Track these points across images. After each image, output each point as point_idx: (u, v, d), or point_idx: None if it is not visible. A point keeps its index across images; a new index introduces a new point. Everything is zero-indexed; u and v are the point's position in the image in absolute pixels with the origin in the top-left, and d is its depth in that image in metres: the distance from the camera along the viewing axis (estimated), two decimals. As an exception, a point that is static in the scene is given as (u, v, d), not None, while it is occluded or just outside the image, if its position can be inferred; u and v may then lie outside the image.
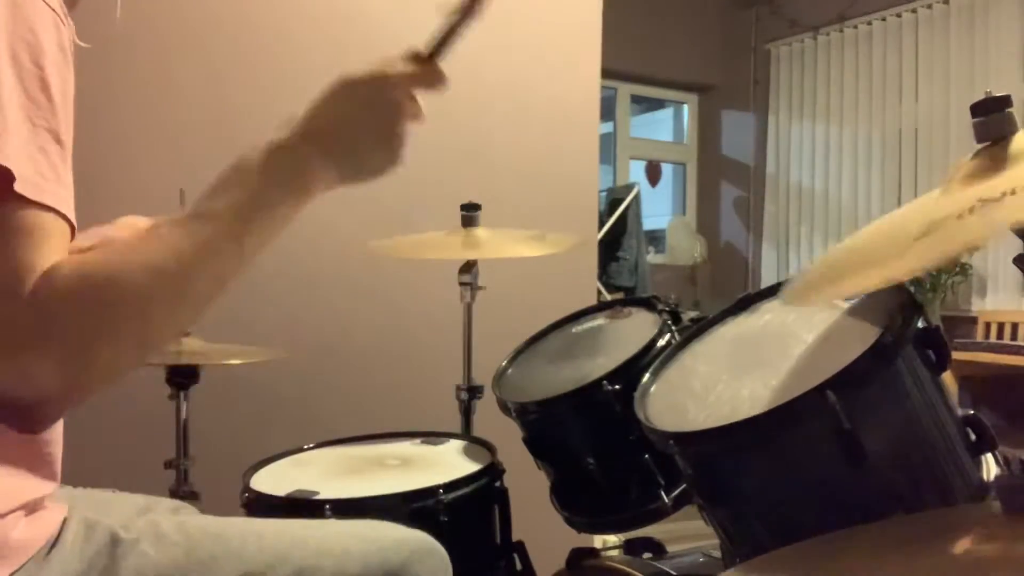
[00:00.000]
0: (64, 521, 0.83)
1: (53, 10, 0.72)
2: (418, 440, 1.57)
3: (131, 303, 0.70)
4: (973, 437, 0.93)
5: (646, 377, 1.12)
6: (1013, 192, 0.69)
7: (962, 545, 0.71)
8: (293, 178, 0.80)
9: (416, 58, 0.89)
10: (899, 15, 4.86)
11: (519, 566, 1.39)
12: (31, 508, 0.80)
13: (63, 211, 0.70)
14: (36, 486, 0.82)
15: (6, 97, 0.67)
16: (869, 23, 5.01)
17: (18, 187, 0.66)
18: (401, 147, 0.85)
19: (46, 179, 0.68)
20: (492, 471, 1.35)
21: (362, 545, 0.96)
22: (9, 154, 0.66)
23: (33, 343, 0.66)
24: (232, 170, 0.78)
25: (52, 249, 0.68)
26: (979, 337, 4.17)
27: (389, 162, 0.86)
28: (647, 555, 1.48)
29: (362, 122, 0.84)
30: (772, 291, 1.17)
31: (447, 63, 0.91)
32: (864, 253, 0.85)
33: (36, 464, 0.82)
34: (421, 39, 0.90)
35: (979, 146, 0.83)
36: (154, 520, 0.90)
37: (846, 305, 1.02)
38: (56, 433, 0.84)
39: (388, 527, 1.02)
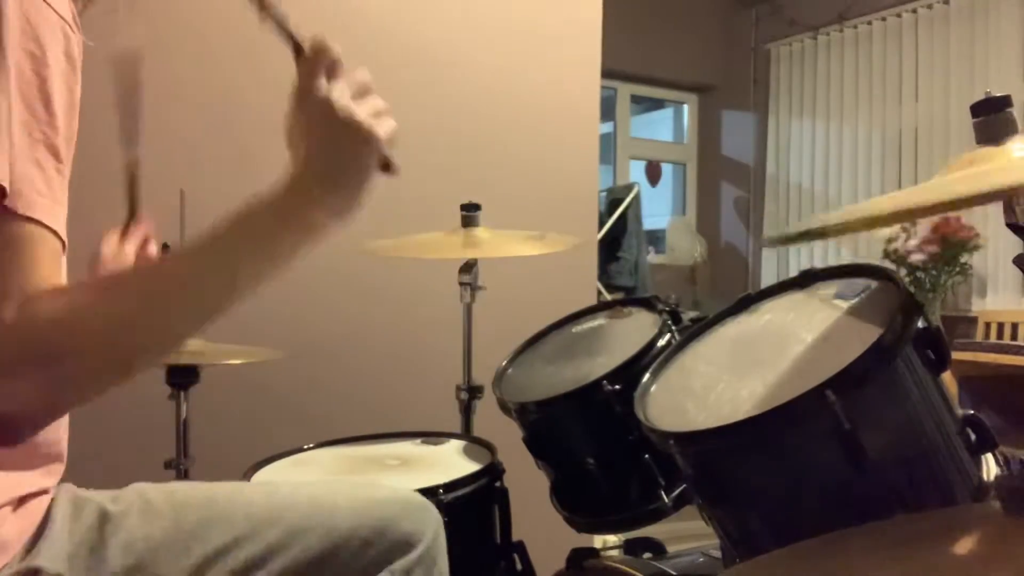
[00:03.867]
0: (52, 502, 0.83)
1: (62, 17, 0.72)
2: (418, 440, 1.57)
3: (108, 339, 0.70)
4: (973, 437, 0.93)
5: (646, 377, 1.12)
6: (1004, 167, 0.70)
7: (962, 545, 0.71)
8: (283, 215, 0.79)
9: (297, 61, 0.86)
10: (899, 15, 4.85)
11: (519, 566, 1.39)
12: (19, 502, 0.80)
13: (54, 227, 0.69)
14: (30, 482, 0.81)
15: (4, 109, 0.67)
16: (869, 23, 5.00)
17: (9, 202, 0.66)
18: (360, 128, 0.81)
19: (40, 194, 0.68)
20: (492, 471, 1.35)
21: (352, 502, 0.96)
22: (3, 169, 0.66)
23: (13, 365, 0.66)
24: (232, 211, 0.79)
25: (41, 267, 0.68)
26: (979, 337, 4.16)
27: (364, 148, 0.82)
28: (647, 555, 1.49)
29: (310, 138, 0.82)
30: (772, 291, 1.17)
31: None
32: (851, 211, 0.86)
33: (30, 461, 0.82)
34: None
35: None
36: (142, 490, 0.90)
37: (846, 305, 1.03)
38: (56, 431, 0.84)
39: (377, 485, 1.02)
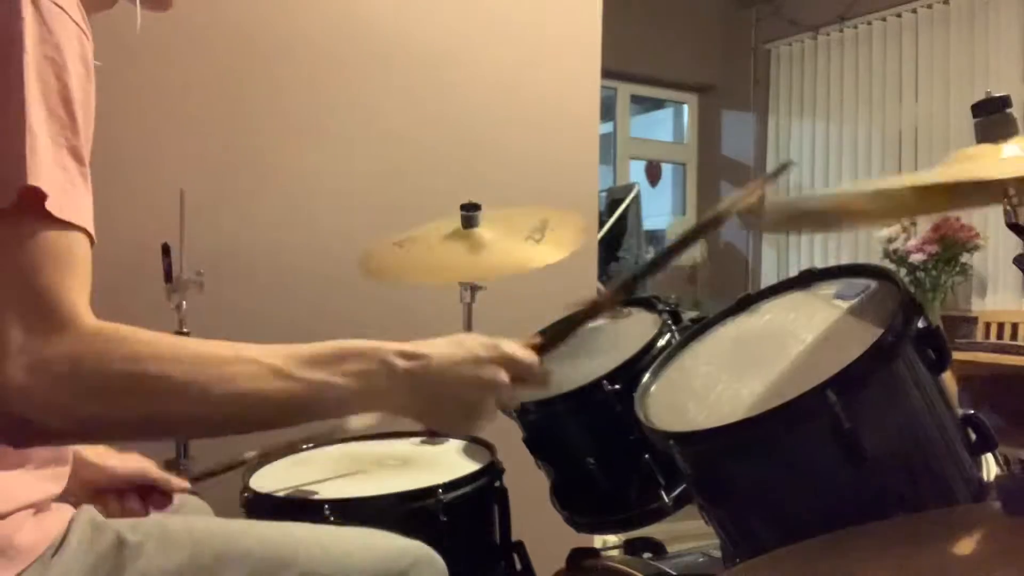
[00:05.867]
0: (71, 521, 0.83)
1: (77, 24, 0.73)
2: (418, 440, 1.57)
3: (158, 400, 0.70)
4: (973, 437, 0.93)
5: (646, 377, 1.12)
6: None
7: (962, 545, 0.71)
8: (372, 390, 0.81)
9: (534, 347, 0.90)
10: (899, 15, 4.85)
11: (519, 566, 1.39)
12: (37, 508, 0.80)
13: (86, 227, 0.71)
14: (43, 487, 0.82)
15: (33, 116, 0.68)
16: (869, 23, 5.00)
17: (49, 205, 0.67)
18: (478, 420, 0.86)
19: (68, 196, 0.69)
20: (492, 471, 1.35)
21: (364, 551, 0.97)
22: (40, 173, 0.67)
23: (65, 378, 0.66)
24: (330, 349, 0.80)
25: (78, 270, 0.69)
26: (979, 337, 4.16)
27: (460, 427, 0.88)
28: (647, 555, 1.48)
29: (459, 382, 0.84)
30: (772, 291, 1.17)
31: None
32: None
33: (43, 465, 0.82)
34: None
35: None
36: (161, 521, 0.90)
37: (846, 305, 1.03)
38: None
39: (388, 536, 1.03)
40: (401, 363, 0.82)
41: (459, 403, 0.85)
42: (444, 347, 0.84)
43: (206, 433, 0.77)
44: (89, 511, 0.87)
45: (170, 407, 0.71)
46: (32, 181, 0.66)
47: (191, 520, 0.95)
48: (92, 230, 0.72)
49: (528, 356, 0.89)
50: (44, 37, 0.70)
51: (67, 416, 0.67)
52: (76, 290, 0.68)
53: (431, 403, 0.84)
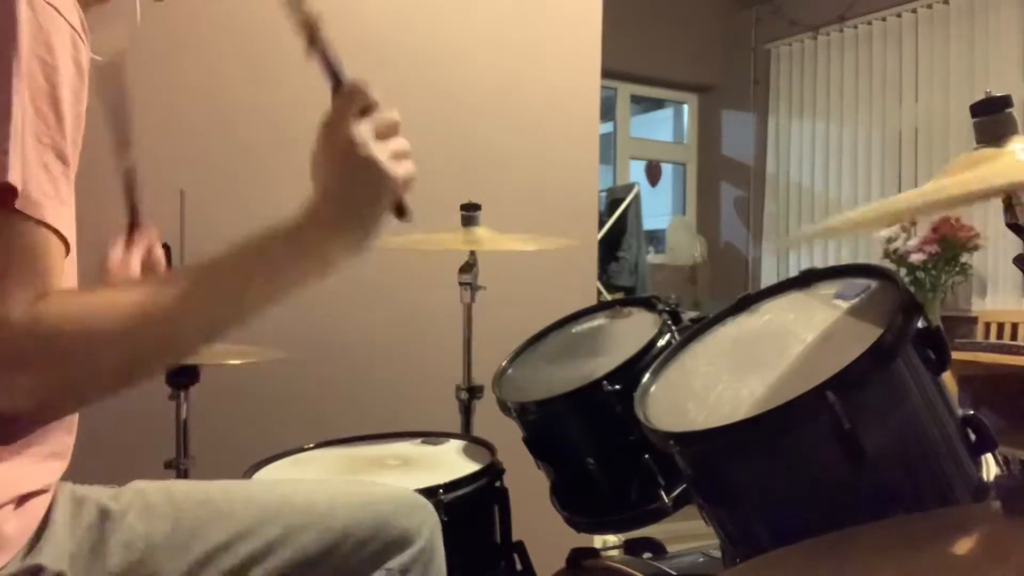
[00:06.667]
0: (52, 501, 0.84)
1: (72, 27, 0.74)
2: (418, 440, 1.57)
3: (116, 343, 0.71)
4: (973, 437, 0.93)
5: (646, 377, 1.12)
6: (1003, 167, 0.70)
7: (962, 545, 0.71)
8: (298, 244, 0.80)
9: (333, 94, 0.85)
10: (899, 15, 4.85)
11: (519, 566, 1.39)
12: (21, 500, 0.80)
13: (61, 230, 0.71)
14: (32, 480, 0.82)
15: (17, 114, 0.68)
16: (869, 23, 5.00)
17: (19, 204, 0.67)
18: (378, 170, 0.80)
19: (47, 197, 0.70)
20: (492, 471, 1.36)
21: (348, 499, 0.97)
22: (16, 171, 0.67)
23: (17, 362, 0.67)
24: (247, 235, 0.80)
25: (47, 269, 0.69)
26: (979, 337, 4.16)
27: (380, 189, 0.82)
28: (647, 555, 1.49)
29: (329, 173, 0.82)
30: (772, 291, 1.17)
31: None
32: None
33: (34, 460, 0.82)
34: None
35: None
36: (141, 490, 0.91)
37: (846, 305, 1.03)
38: (62, 431, 0.85)
39: (372, 484, 1.03)
40: (301, 217, 0.81)
41: (352, 179, 0.81)
42: (312, 177, 0.82)
43: (179, 352, 0.80)
44: (68, 487, 0.87)
45: (130, 343, 0.72)
46: (8, 178, 0.67)
47: (171, 486, 0.95)
48: (68, 234, 0.72)
49: (335, 102, 0.83)
50: (37, 37, 0.70)
51: (41, 394, 0.68)
52: (22, 283, 0.67)
53: (341, 206, 0.81)
